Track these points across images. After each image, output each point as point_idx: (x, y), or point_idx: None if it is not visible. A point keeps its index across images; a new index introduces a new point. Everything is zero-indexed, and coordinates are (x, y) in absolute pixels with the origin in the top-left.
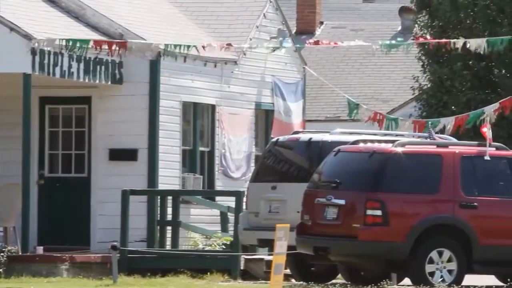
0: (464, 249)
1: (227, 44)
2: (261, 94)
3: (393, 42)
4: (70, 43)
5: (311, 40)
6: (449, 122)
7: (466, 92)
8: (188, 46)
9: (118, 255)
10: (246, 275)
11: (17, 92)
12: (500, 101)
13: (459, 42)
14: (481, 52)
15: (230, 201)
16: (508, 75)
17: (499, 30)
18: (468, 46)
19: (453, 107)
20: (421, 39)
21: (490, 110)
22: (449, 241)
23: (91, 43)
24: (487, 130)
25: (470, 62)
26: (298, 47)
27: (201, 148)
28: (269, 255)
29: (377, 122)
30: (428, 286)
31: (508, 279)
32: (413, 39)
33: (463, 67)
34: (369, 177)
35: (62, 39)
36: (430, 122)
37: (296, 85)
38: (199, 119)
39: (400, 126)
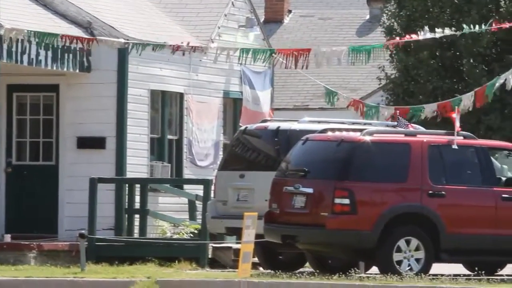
0: (432, 237)
1: (195, 47)
2: (230, 83)
3: (365, 46)
4: (39, 36)
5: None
6: (432, 108)
7: (432, 81)
8: (157, 46)
9: (86, 243)
10: (214, 264)
11: None
12: (475, 90)
13: (428, 34)
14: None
15: (198, 190)
16: (475, 64)
17: (467, 19)
18: (435, 35)
19: (420, 96)
20: (391, 41)
21: (469, 98)
22: (417, 229)
23: (59, 38)
24: (456, 116)
25: (437, 52)
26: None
27: (169, 137)
28: (237, 243)
29: (359, 110)
30: (396, 275)
31: (476, 268)
32: (380, 25)
33: (429, 56)
34: (337, 165)
35: (31, 31)
36: (398, 112)
37: (264, 73)
38: (167, 108)
39: (380, 114)
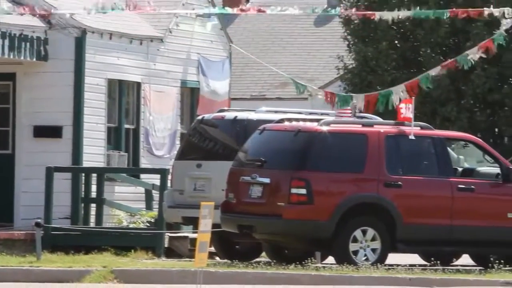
0: (388, 228)
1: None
2: (187, 72)
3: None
4: None
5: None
6: (401, 91)
7: (391, 71)
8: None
9: (42, 232)
10: (171, 253)
11: None
12: (413, 79)
13: (385, 15)
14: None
15: (155, 179)
16: (433, 54)
17: (424, 7)
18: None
19: (378, 86)
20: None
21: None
22: (373, 220)
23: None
24: (404, 107)
25: (396, 42)
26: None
27: (126, 126)
28: (194, 233)
29: (330, 102)
30: (352, 265)
31: (432, 258)
32: (338, 16)
33: (388, 47)
34: (294, 155)
35: None
36: (355, 102)
37: (222, 63)
38: (124, 97)
39: (351, 102)
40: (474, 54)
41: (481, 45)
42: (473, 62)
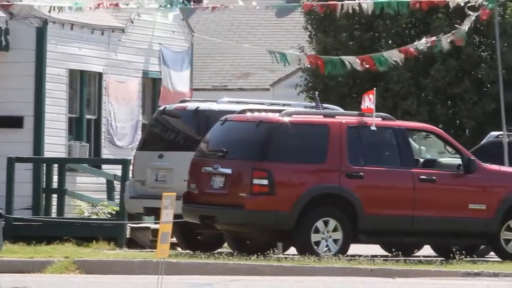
0: (350, 218)
1: (114, 5)
2: (149, 63)
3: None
4: None
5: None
6: (396, 55)
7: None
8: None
9: (3, 222)
10: (132, 244)
11: None
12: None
13: (346, 5)
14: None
15: (117, 169)
16: (394, 45)
17: None
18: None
19: (339, 78)
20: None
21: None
22: (335, 210)
23: None
24: (367, 102)
25: (356, 32)
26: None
27: (88, 116)
28: (155, 223)
29: (318, 66)
30: (314, 256)
31: (393, 249)
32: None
33: (349, 38)
34: (255, 146)
35: None
36: (316, 93)
37: (183, 53)
38: (86, 87)
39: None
40: (445, 42)
41: (452, 34)
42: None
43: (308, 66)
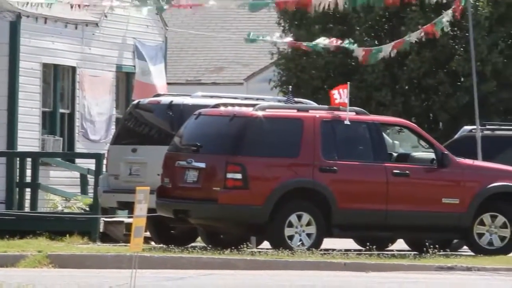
0: (324, 213)
1: (85, 5)
2: (123, 57)
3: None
4: None
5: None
6: (389, 48)
7: (324, 55)
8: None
9: None
10: (106, 238)
11: None
12: (393, 42)
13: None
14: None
15: (90, 164)
16: (367, 38)
17: None
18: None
19: (312, 71)
20: None
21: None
22: (309, 205)
23: None
24: (337, 95)
25: (329, 25)
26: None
27: (61, 110)
28: (129, 217)
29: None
30: (287, 250)
31: (367, 243)
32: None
33: (321, 30)
34: (229, 140)
35: None
36: (290, 88)
37: (157, 48)
38: (59, 81)
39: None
40: (416, 37)
41: (424, 29)
42: (415, 41)
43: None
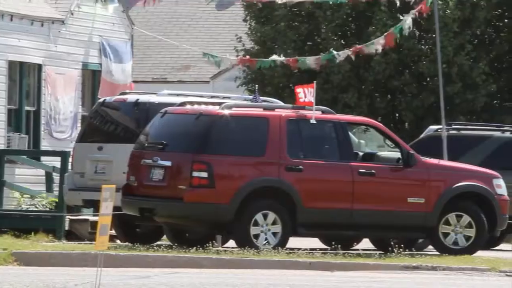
0: (289, 212)
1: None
2: (89, 55)
3: None
4: None
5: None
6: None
7: (289, 53)
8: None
9: None
10: (71, 236)
11: None
12: (353, 48)
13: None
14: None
15: (56, 161)
16: (334, 37)
17: None
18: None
19: (278, 68)
20: None
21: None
22: (274, 203)
23: None
24: (302, 94)
25: (295, 23)
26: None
27: (27, 108)
28: (95, 215)
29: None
30: (253, 249)
31: (332, 242)
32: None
33: (287, 27)
34: (195, 139)
35: None
36: (256, 86)
37: (123, 46)
38: (25, 79)
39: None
40: (378, 45)
41: (385, 36)
42: (376, 50)
43: (240, 67)
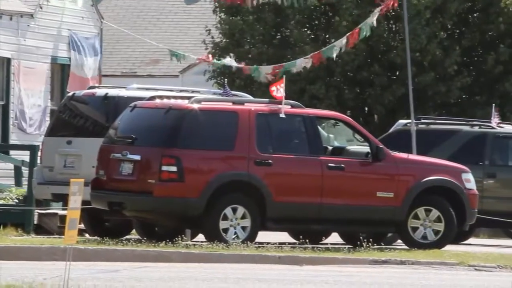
0: (258, 206)
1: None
2: (58, 49)
3: None
4: None
5: None
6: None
7: (258, 46)
8: None
9: None
10: (40, 230)
11: None
12: (312, 54)
13: None
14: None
15: (25, 155)
16: (303, 29)
17: None
18: None
19: (247, 60)
20: None
21: (303, 62)
22: (244, 198)
23: None
24: (275, 89)
25: (263, 15)
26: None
27: None
28: (63, 209)
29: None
30: (222, 243)
31: (301, 236)
32: None
33: (256, 20)
34: (165, 133)
35: None
36: (225, 81)
37: (93, 39)
38: None
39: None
40: (340, 46)
41: (348, 36)
42: (340, 50)
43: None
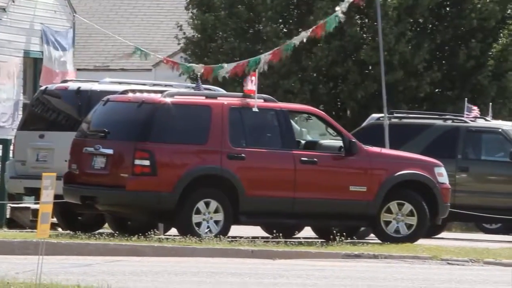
0: (231, 200)
1: None
2: (30, 42)
3: None
4: None
5: None
6: (229, 68)
7: (230, 41)
8: None
9: None
10: (12, 224)
11: None
12: (273, 50)
13: None
14: None
15: None
16: (274, 25)
17: None
18: None
19: (218, 56)
20: None
21: (265, 58)
22: (217, 192)
23: None
24: (249, 83)
25: (235, 9)
26: None
27: None
28: (36, 203)
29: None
30: (195, 237)
31: (274, 230)
32: None
33: (228, 16)
34: (137, 127)
35: None
36: (199, 74)
37: (65, 33)
38: None
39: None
40: (302, 38)
41: (312, 30)
42: (296, 45)
43: (182, 56)
